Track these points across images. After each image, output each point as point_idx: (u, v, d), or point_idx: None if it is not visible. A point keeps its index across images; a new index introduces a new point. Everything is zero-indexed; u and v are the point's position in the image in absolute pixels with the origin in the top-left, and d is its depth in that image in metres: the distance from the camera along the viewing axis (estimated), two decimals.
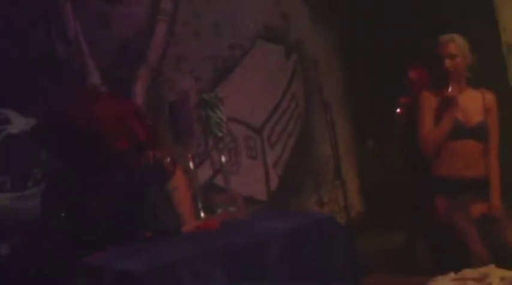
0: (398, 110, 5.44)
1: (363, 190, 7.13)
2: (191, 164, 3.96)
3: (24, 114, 4.47)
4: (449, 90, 4.73)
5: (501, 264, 4.44)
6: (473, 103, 4.86)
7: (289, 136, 6.59)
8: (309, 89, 6.86)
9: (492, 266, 4.44)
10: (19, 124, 4.47)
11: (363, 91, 6.70)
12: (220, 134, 3.94)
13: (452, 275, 4.52)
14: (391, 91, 5.75)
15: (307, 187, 6.67)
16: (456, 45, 4.82)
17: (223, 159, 4.05)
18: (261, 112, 6.38)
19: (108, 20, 5.31)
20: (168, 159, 3.80)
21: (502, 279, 4.30)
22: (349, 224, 6.19)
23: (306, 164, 6.69)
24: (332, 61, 7.20)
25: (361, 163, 7.16)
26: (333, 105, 6.53)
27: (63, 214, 3.58)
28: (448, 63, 4.78)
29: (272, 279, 3.20)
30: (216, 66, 6.03)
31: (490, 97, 4.90)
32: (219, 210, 3.81)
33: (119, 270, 3.05)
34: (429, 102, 4.86)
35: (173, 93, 5.47)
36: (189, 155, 4.03)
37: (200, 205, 3.80)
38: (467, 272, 4.48)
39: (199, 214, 3.82)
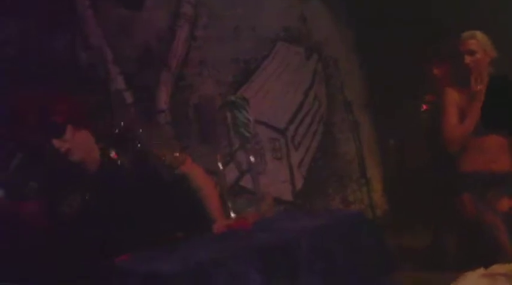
0: (423, 107, 5.44)
1: (387, 188, 7.10)
2: (220, 165, 3.97)
3: None
4: (474, 86, 4.75)
5: None
6: None
7: (312, 136, 6.58)
8: (330, 89, 6.86)
9: None
10: None
11: (385, 89, 6.67)
12: (247, 134, 3.96)
13: (481, 270, 4.51)
14: (413, 89, 5.75)
15: (332, 187, 6.66)
16: (477, 41, 4.87)
17: (252, 159, 4.06)
18: (284, 114, 6.37)
19: (129, 26, 5.35)
20: (177, 154, 3.79)
21: None
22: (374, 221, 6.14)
23: (330, 164, 6.69)
24: (353, 61, 7.19)
25: (385, 162, 7.13)
26: (355, 104, 6.59)
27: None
28: (468, 59, 4.82)
29: (304, 276, 3.20)
30: (238, 70, 6.05)
31: None
32: (249, 210, 3.82)
33: (149, 271, 3.03)
34: (454, 98, 4.89)
35: (196, 97, 5.48)
36: (218, 156, 4.05)
37: (230, 205, 3.81)
38: (497, 268, 4.45)
39: (229, 214, 3.83)
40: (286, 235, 3.37)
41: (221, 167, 3.98)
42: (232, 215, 3.82)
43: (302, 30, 6.74)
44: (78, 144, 3.52)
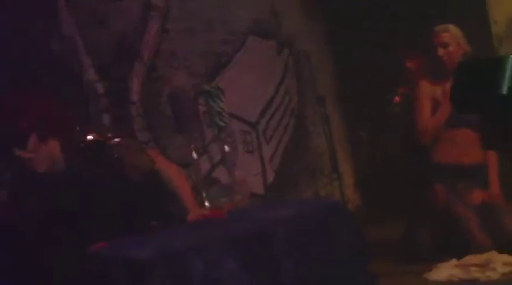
0: (396, 98, 5.46)
1: (359, 182, 7.13)
2: (194, 155, 3.94)
3: None
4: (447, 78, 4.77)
5: (502, 250, 4.49)
6: None
7: (284, 130, 6.59)
8: (302, 83, 6.87)
9: (494, 252, 4.50)
10: None
11: (356, 83, 6.69)
12: (222, 124, 3.93)
13: (454, 261, 4.55)
14: (385, 82, 5.78)
15: (304, 181, 6.67)
16: (450, 34, 4.90)
17: (227, 149, 4.04)
18: (256, 107, 6.38)
19: (102, 17, 5.29)
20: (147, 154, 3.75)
21: (505, 264, 4.35)
22: None
23: (301, 158, 6.70)
24: (324, 55, 7.21)
25: (356, 156, 7.15)
26: (327, 98, 6.51)
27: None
28: (441, 51, 4.85)
29: (280, 265, 3.18)
30: (209, 62, 6.02)
31: None
32: (224, 199, 3.80)
33: (127, 258, 3.01)
34: (427, 90, 4.93)
35: (169, 88, 5.43)
36: (192, 146, 4.02)
37: (204, 195, 3.78)
38: (470, 258, 4.51)
39: (204, 204, 3.80)
40: (261, 224, 3.35)
41: (195, 157, 3.94)
42: (207, 204, 3.79)
43: (273, 24, 6.74)
44: (42, 156, 3.44)
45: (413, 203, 5.36)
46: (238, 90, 6.01)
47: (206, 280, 2.95)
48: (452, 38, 4.89)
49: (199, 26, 6.00)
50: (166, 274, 2.86)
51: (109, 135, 3.51)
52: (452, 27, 4.94)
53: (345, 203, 6.34)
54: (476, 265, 4.36)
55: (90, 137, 3.45)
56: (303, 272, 3.25)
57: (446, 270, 4.50)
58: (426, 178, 4.98)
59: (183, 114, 4.02)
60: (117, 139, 3.47)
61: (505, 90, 1.83)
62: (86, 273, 3.18)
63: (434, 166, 4.93)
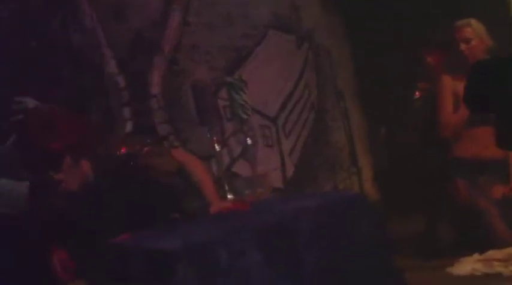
0: (416, 94, 5.43)
1: (378, 177, 7.10)
2: (217, 147, 3.94)
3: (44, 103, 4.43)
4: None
5: None
6: None
7: (303, 124, 6.58)
8: (321, 77, 6.86)
9: None
10: None
11: (376, 77, 6.65)
12: (245, 116, 3.93)
13: (477, 256, 4.53)
14: (405, 77, 5.74)
15: (323, 175, 6.65)
16: (472, 29, 4.88)
17: (248, 141, 4.03)
18: (275, 102, 6.37)
19: (123, 10, 5.30)
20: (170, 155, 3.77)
21: None
22: None
23: (320, 153, 6.69)
24: (344, 49, 7.19)
25: (376, 150, 7.12)
26: (346, 92, 6.54)
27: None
28: (463, 47, 4.82)
29: (302, 257, 3.18)
30: (229, 56, 6.02)
31: None
32: (247, 192, 3.79)
33: (151, 249, 3.03)
34: (449, 85, 4.89)
35: (189, 82, 5.44)
36: (214, 139, 4.02)
37: (227, 187, 3.78)
38: (492, 253, 4.49)
39: (227, 196, 3.80)
40: (283, 216, 3.34)
41: (218, 150, 3.94)
42: (230, 197, 3.79)
43: (293, 19, 6.73)
44: (75, 177, 3.47)
45: (434, 198, 5.29)
46: (258, 84, 5.98)
47: (231, 271, 2.96)
48: (474, 33, 4.87)
49: (219, 20, 6.01)
50: (191, 264, 2.86)
51: (136, 145, 3.52)
52: (474, 22, 4.91)
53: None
54: (498, 260, 4.34)
55: (120, 152, 3.47)
56: (324, 264, 3.25)
57: (468, 264, 4.47)
58: (446, 172, 4.95)
59: (204, 107, 4.02)
60: (145, 149, 3.48)
61: None
62: (109, 263, 3.21)
63: (455, 161, 4.91)
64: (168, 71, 5.47)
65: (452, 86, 4.88)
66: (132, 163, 3.51)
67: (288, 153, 6.37)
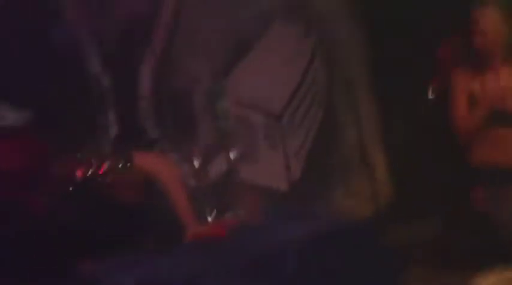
0: (430, 91, 5.13)
1: (392, 176, 6.72)
2: (195, 161, 3.55)
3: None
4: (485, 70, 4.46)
5: None
6: None
7: (311, 121, 6.15)
8: (330, 69, 6.41)
9: None
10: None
11: (390, 69, 6.30)
12: (226, 127, 3.56)
13: (495, 273, 4.19)
14: (420, 70, 5.49)
15: (332, 175, 6.24)
16: (488, 20, 4.56)
17: (231, 156, 3.65)
18: (281, 97, 5.93)
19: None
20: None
21: None
22: (378, 214, 5.85)
23: (330, 151, 6.26)
24: (355, 40, 6.75)
25: (390, 148, 6.74)
26: (358, 85, 6.21)
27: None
28: (478, 39, 4.52)
29: None
30: (231, 47, 5.60)
31: None
32: (227, 214, 3.40)
33: None
34: (463, 83, 4.62)
35: (183, 78, 5.05)
36: (194, 150, 3.64)
37: (207, 208, 3.39)
38: None
39: (206, 218, 3.40)
40: (269, 246, 2.93)
41: (197, 164, 3.55)
42: (209, 219, 3.39)
43: (301, 7, 6.26)
44: None
45: (450, 203, 5.14)
46: (262, 77, 5.62)
47: None
48: (490, 25, 4.54)
49: (220, 7, 5.54)
50: None
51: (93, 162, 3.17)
52: (490, 12, 4.57)
53: (377, 197, 6.02)
54: None
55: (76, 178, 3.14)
56: None
57: (485, 281, 4.14)
58: (464, 179, 4.65)
59: (185, 112, 3.67)
60: (103, 169, 3.13)
61: None
62: None
63: (474, 168, 4.59)
64: (160, 67, 5.06)
65: (466, 83, 4.57)
66: (88, 188, 3.15)
67: (294, 153, 5.96)
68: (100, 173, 3.18)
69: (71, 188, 3.13)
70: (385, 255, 3.20)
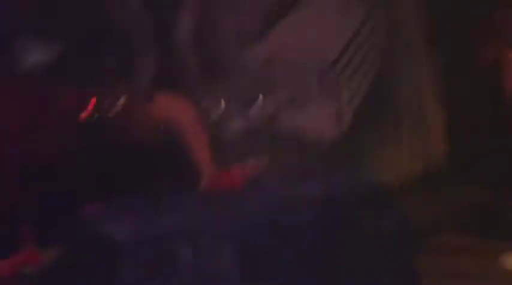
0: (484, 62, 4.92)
1: (448, 136, 6.49)
2: (222, 102, 3.42)
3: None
4: None
5: None
6: None
7: (366, 72, 5.92)
8: (390, 24, 6.15)
9: None
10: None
11: (452, 27, 6.04)
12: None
13: None
14: (483, 31, 5.36)
15: (384, 128, 6.05)
16: None
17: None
18: (336, 44, 5.69)
19: None
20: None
21: None
22: (428, 174, 5.70)
23: (383, 104, 6.05)
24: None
25: (448, 107, 6.50)
26: (417, 43, 5.92)
27: None
28: None
29: (291, 264, 2.66)
30: None
31: None
32: (250, 162, 3.27)
33: (102, 233, 2.61)
34: None
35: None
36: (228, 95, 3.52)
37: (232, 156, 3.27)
38: None
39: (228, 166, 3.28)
40: (277, 205, 2.80)
41: (223, 106, 3.43)
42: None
43: None
44: None
45: (504, 172, 5.06)
46: (317, 23, 5.41)
47: (193, 274, 2.48)
48: None
49: None
50: (136, 259, 2.43)
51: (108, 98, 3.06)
52: None
53: (429, 156, 5.84)
54: None
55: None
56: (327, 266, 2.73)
57: None
58: None
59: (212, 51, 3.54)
60: (118, 105, 3.02)
61: None
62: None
63: None
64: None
65: None
66: (100, 125, 3.05)
67: (346, 102, 5.78)
68: (113, 109, 3.08)
69: (81, 125, 3.04)
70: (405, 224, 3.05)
